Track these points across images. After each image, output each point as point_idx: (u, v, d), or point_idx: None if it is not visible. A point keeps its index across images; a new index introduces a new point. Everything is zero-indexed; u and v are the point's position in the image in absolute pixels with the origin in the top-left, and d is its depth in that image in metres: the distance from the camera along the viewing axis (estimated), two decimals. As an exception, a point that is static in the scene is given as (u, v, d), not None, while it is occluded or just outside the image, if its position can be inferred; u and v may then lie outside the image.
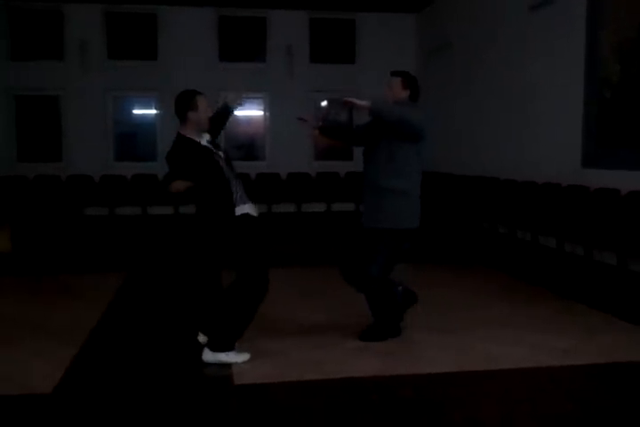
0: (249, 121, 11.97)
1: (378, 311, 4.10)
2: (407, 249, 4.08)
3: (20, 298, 5.26)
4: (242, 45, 11.54)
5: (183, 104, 3.69)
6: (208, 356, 3.62)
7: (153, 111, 11.50)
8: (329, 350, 3.85)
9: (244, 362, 3.61)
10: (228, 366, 3.56)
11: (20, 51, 10.85)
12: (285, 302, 4.82)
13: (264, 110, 11.76)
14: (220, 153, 3.77)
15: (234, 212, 3.61)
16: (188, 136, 3.70)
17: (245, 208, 3.68)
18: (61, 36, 10.91)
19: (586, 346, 3.92)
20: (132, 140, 11.72)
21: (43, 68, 10.84)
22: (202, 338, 3.76)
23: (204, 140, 3.75)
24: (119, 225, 10.10)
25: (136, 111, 11.80)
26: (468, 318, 4.56)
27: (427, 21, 11.36)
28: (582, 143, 6.64)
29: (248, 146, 11.89)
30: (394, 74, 4.13)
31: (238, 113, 11.84)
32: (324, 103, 4.11)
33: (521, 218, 7.29)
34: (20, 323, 4.47)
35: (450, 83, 10.24)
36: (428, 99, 11.24)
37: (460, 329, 4.29)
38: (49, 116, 11.16)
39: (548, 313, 4.69)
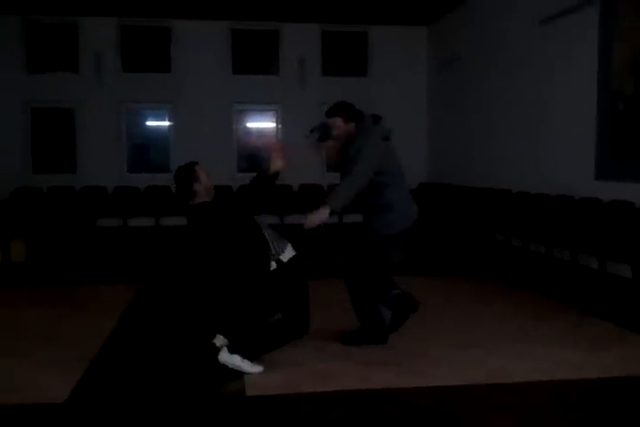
0: (261, 133, 12.04)
1: (367, 315, 4.12)
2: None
3: (34, 308, 5.28)
4: (255, 58, 11.64)
5: (185, 179, 3.74)
6: (225, 356, 3.59)
7: (166, 123, 11.59)
8: (342, 362, 3.84)
9: (256, 373, 3.61)
10: (240, 377, 3.56)
11: (35, 63, 10.99)
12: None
13: (276, 122, 11.82)
14: None
15: (269, 266, 3.70)
16: (202, 201, 3.77)
17: (287, 254, 3.78)
18: (76, 49, 11.05)
19: (600, 359, 3.89)
20: (146, 151, 11.81)
21: (58, 81, 10.98)
22: (218, 341, 3.71)
23: None
24: (132, 236, 10.15)
25: (149, 123, 11.90)
26: (480, 331, 4.53)
27: (438, 34, 11.41)
28: (595, 155, 6.63)
29: (260, 158, 11.93)
30: (330, 115, 4.04)
31: (250, 125, 11.92)
32: (310, 133, 4.09)
33: (534, 230, 7.26)
34: (33, 333, 4.49)
35: (461, 95, 10.27)
36: (440, 111, 11.31)
37: (473, 342, 4.27)
38: (63, 128, 11.28)
39: (562, 326, 4.66)
